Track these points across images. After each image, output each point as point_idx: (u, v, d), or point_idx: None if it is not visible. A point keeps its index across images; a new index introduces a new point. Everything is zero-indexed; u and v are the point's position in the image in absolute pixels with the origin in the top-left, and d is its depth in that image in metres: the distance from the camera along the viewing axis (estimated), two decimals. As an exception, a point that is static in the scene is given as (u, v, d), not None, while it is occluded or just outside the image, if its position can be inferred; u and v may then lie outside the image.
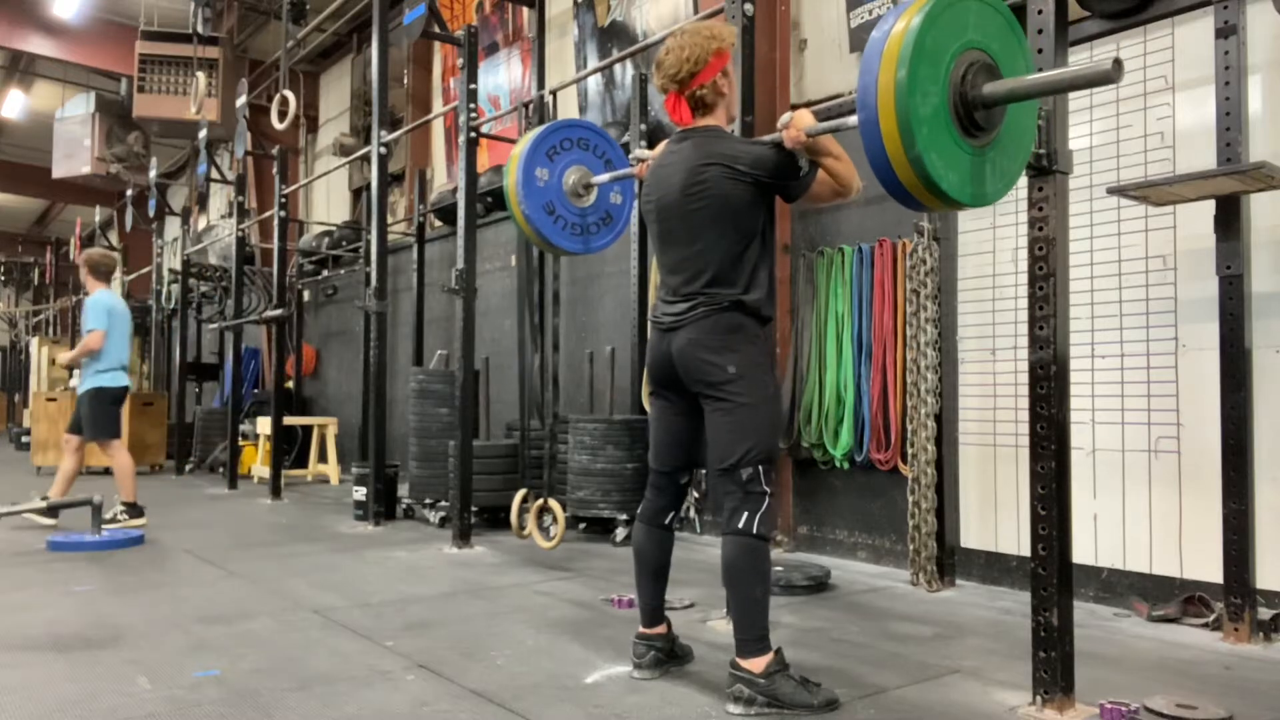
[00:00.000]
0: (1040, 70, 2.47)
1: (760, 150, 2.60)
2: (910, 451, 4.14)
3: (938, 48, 2.06)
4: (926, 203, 2.16)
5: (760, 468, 2.54)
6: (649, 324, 2.79)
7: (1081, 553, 3.55)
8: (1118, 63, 1.99)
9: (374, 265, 6.16)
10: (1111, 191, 3.45)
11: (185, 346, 10.73)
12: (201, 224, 14.86)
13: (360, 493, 6.10)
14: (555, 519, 4.82)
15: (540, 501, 4.86)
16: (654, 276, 5.83)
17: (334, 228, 10.40)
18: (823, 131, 2.52)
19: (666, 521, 2.83)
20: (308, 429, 9.55)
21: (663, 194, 2.72)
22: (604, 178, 3.61)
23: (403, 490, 6.45)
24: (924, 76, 2.03)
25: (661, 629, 2.80)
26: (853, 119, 2.28)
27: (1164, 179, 3.28)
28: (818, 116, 4.56)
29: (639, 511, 2.88)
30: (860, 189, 2.64)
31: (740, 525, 2.52)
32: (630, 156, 3.18)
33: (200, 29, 10.12)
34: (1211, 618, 3.32)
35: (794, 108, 5.16)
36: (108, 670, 2.81)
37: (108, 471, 9.85)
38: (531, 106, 5.45)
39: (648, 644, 2.77)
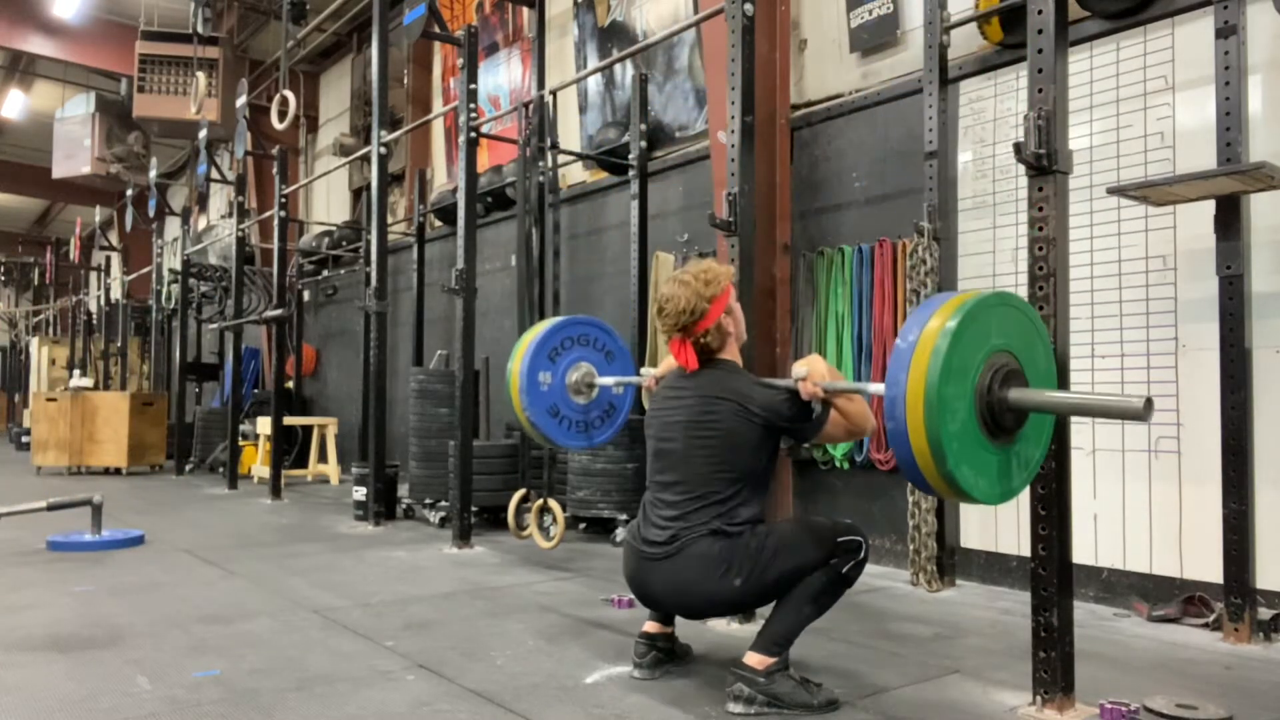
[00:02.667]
0: (1039, 69, 2.47)
1: (773, 395, 2.59)
2: (910, 451, 4.13)
3: (964, 364, 2.08)
4: (947, 497, 2.22)
5: (839, 542, 2.52)
6: (626, 546, 2.73)
7: (1081, 553, 3.55)
8: (1149, 403, 1.99)
9: (374, 265, 6.16)
10: (1111, 191, 3.45)
11: (185, 346, 10.73)
12: (201, 224, 14.86)
13: (360, 493, 6.10)
14: (555, 519, 4.81)
15: (540, 501, 4.86)
16: (654, 276, 5.83)
17: (334, 228, 10.41)
18: (840, 391, 2.54)
19: None
20: (308, 429, 9.55)
21: (667, 418, 2.70)
22: (608, 381, 3.64)
23: (403, 490, 6.45)
24: (952, 395, 2.04)
25: (669, 629, 2.82)
26: (873, 386, 2.34)
27: (1164, 179, 3.28)
28: (818, 118, 4.55)
29: None
30: (874, 428, 2.66)
31: (833, 562, 2.51)
32: (643, 370, 3.22)
33: (200, 29, 10.12)
34: (1211, 618, 3.33)
35: (794, 106, 5.17)
36: (108, 670, 2.81)
37: (108, 471, 9.88)
38: (531, 106, 5.45)
39: (649, 644, 2.77)
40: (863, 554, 2.55)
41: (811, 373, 2.53)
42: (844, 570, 2.51)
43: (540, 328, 3.66)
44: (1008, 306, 2.24)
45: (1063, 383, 2.49)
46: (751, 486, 2.59)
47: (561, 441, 3.63)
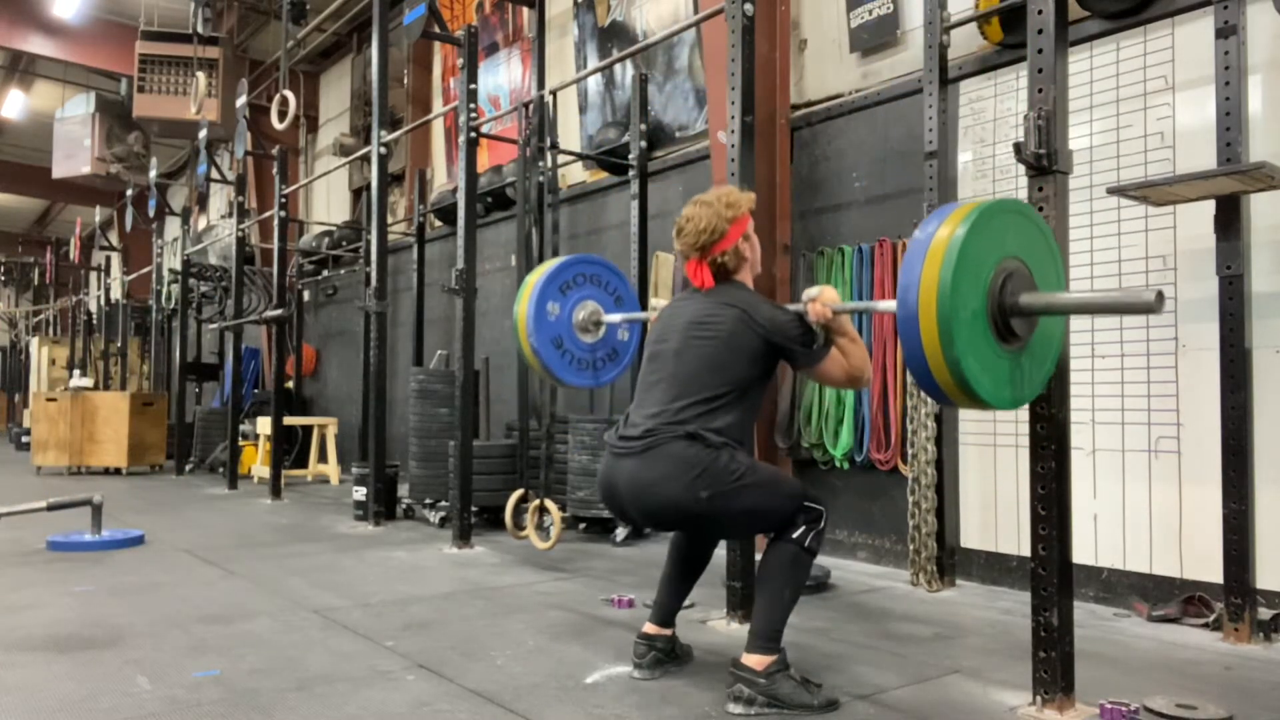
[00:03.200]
0: (1039, 69, 2.47)
1: (779, 313, 2.60)
2: (910, 451, 4.14)
3: (980, 256, 2.11)
4: (958, 402, 2.19)
5: (801, 510, 2.53)
6: (606, 450, 2.68)
7: (1081, 553, 3.55)
8: (1160, 296, 2.02)
9: (374, 265, 6.16)
10: (1111, 191, 3.44)
11: (185, 346, 10.73)
12: (201, 224, 14.86)
13: (360, 493, 6.10)
14: (552, 519, 4.81)
15: (537, 502, 4.85)
16: (654, 276, 5.83)
17: (334, 228, 10.41)
18: (849, 310, 2.55)
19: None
20: (308, 429, 9.55)
21: (670, 322, 2.71)
22: (616, 318, 3.62)
23: (403, 490, 6.45)
24: (966, 282, 2.07)
25: (668, 631, 2.81)
26: (883, 304, 2.37)
27: (1164, 179, 3.28)
28: (818, 118, 4.56)
29: None
30: (870, 381, 2.66)
31: (794, 535, 2.52)
32: (651, 303, 3.20)
33: (200, 29, 10.12)
34: (1211, 618, 3.33)
35: (794, 106, 5.17)
36: (108, 670, 2.81)
37: (108, 471, 9.88)
38: (531, 106, 5.45)
39: (649, 644, 2.77)
40: (823, 523, 2.55)
41: (823, 295, 2.54)
42: (807, 543, 2.51)
43: (553, 261, 3.65)
44: (1024, 217, 2.27)
45: (1061, 383, 2.49)
46: (738, 398, 2.56)
47: (565, 376, 3.59)
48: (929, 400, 4.07)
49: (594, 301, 3.66)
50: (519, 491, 4.98)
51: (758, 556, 3.42)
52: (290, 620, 3.46)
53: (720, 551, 3.23)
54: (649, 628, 2.81)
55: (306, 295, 11.07)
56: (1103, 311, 2.31)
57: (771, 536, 2.58)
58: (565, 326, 3.58)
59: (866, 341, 4.62)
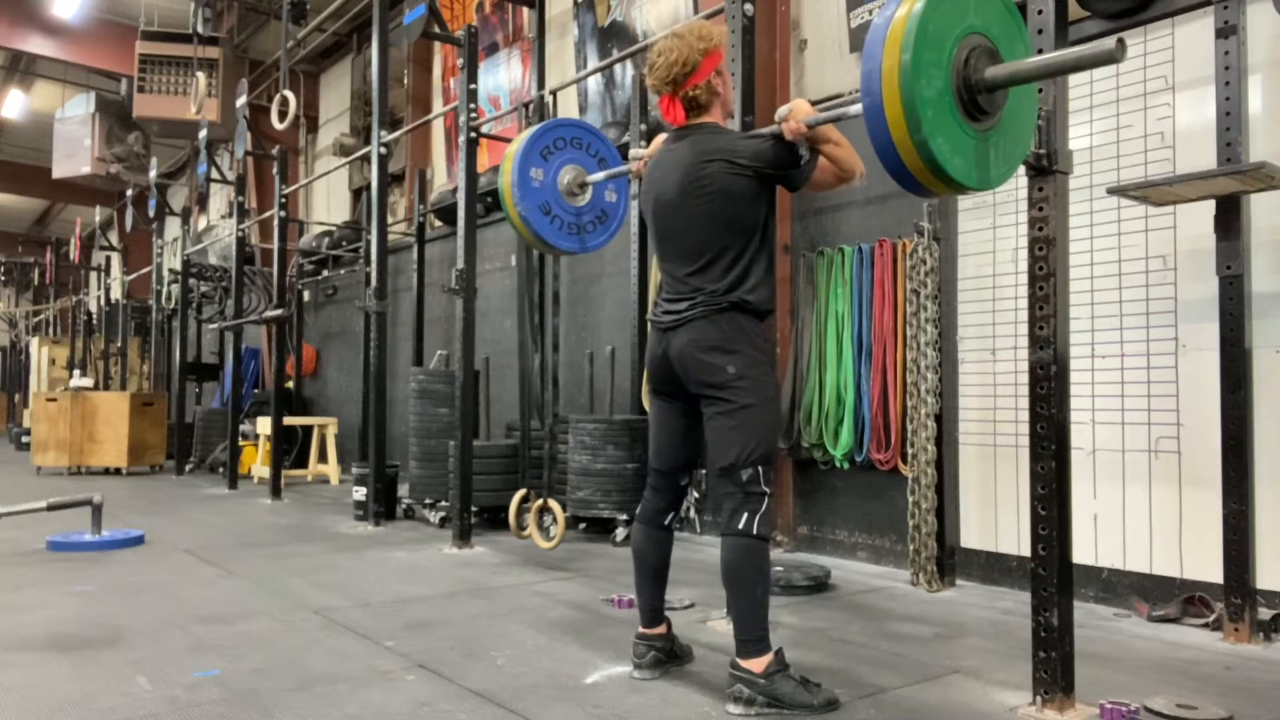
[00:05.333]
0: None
1: (759, 143, 2.59)
2: (910, 451, 4.14)
3: (940, 32, 2.06)
4: (931, 187, 2.15)
5: (759, 468, 2.53)
6: (648, 323, 2.75)
7: (1081, 553, 3.55)
8: (1121, 42, 1.98)
9: (374, 265, 6.16)
10: (1111, 191, 3.45)
11: (185, 346, 10.73)
12: (201, 224, 14.86)
13: (360, 493, 6.10)
14: (555, 519, 4.81)
15: (540, 502, 4.85)
16: (654, 276, 5.83)
17: (334, 228, 10.40)
18: (823, 122, 2.50)
19: (666, 522, 2.83)
20: (308, 429, 9.54)
21: (661, 191, 2.70)
22: (599, 176, 3.60)
23: (403, 490, 6.45)
24: (927, 60, 2.03)
25: (661, 629, 2.80)
26: (854, 108, 2.27)
27: (1164, 179, 3.28)
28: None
29: (638, 512, 2.87)
30: (864, 174, 2.64)
31: (740, 526, 2.51)
32: (630, 153, 3.18)
33: (200, 29, 10.13)
34: (1211, 618, 3.33)
35: (794, 108, 5.17)
36: (108, 670, 2.81)
37: (108, 471, 9.88)
38: (531, 106, 5.45)
39: (648, 644, 2.77)
40: (765, 505, 2.54)
41: (794, 111, 2.51)
42: (755, 531, 2.50)
43: (533, 128, 3.62)
44: None
45: (1061, 383, 2.49)
46: (759, 243, 2.61)
47: (554, 241, 3.56)
48: (929, 400, 4.07)
49: (578, 165, 3.63)
50: (522, 491, 4.98)
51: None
52: (290, 620, 3.45)
53: (717, 552, 3.23)
54: (643, 630, 2.80)
55: (306, 295, 11.07)
56: (1066, 70, 2.24)
57: (721, 532, 2.57)
58: (551, 191, 3.56)
59: (867, 340, 4.62)
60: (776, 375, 2.65)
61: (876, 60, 2.04)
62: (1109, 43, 2.00)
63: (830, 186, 2.68)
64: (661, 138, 2.85)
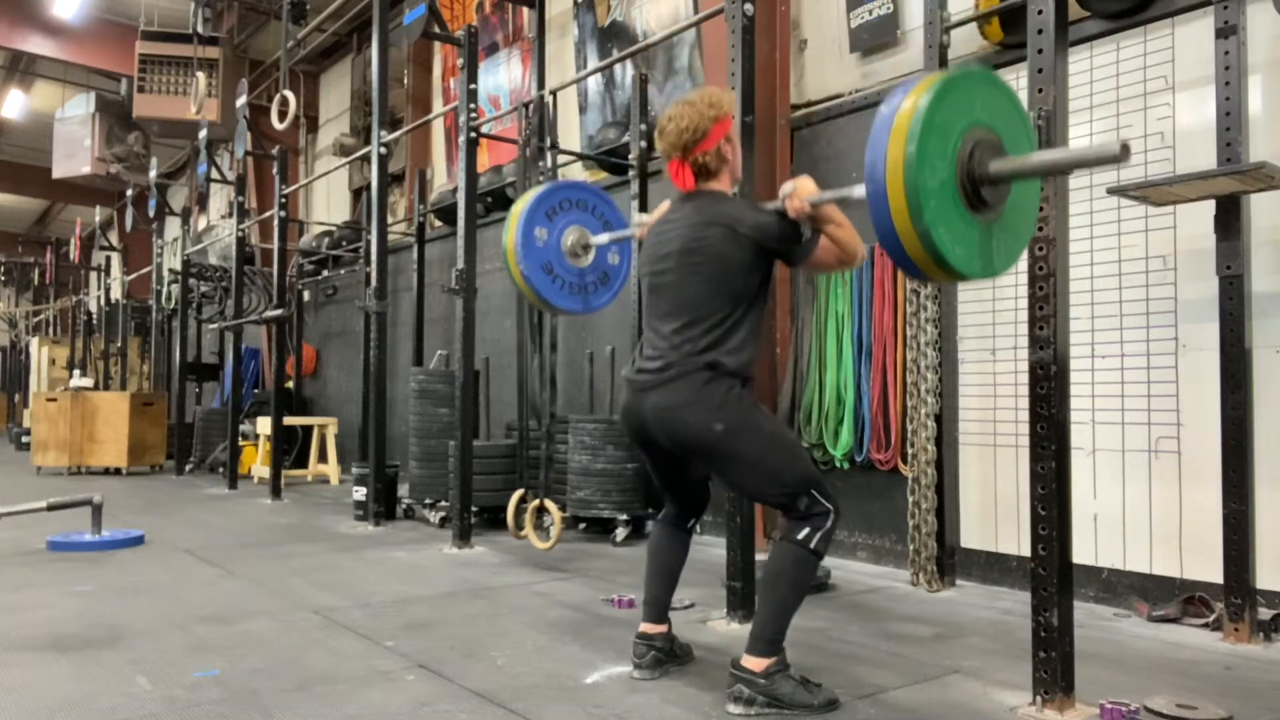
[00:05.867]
0: (1039, 69, 2.47)
1: (763, 216, 2.59)
2: (910, 451, 4.14)
3: (946, 124, 2.08)
4: (933, 275, 2.16)
5: (811, 491, 2.50)
6: (624, 380, 2.72)
7: (1081, 553, 3.55)
8: (1125, 147, 2.00)
9: (374, 265, 6.16)
10: (1111, 191, 3.45)
11: (185, 346, 10.74)
12: (201, 224, 14.86)
13: (360, 493, 6.10)
14: (552, 519, 4.81)
15: (536, 502, 4.85)
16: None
17: (334, 228, 10.40)
18: (826, 201, 2.52)
19: (688, 525, 2.88)
20: (308, 429, 9.55)
21: (660, 249, 2.71)
22: (603, 238, 3.61)
23: (403, 490, 6.45)
24: (933, 151, 2.04)
25: (664, 628, 2.81)
26: (858, 190, 2.29)
27: (1164, 179, 3.28)
28: (818, 118, 4.56)
29: (660, 515, 2.91)
30: (865, 257, 2.65)
31: (799, 537, 2.49)
32: (634, 218, 3.19)
33: (200, 29, 10.12)
34: (1211, 618, 3.33)
35: (794, 106, 5.17)
36: (108, 670, 2.81)
37: (108, 471, 9.88)
38: (531, 106, 5.45)
39: (648, 644, 2.77)
40: (830, 523, 2.50)
41: (798, 190, 2.52)
42: (813, 545, 2.48)
43: (539, 188, 3.64)
44: (993, 86, 2.23)
45: (1061, 383, 2.49)
46: (745, 311, 2.59)
47: (555, 301, 3.57)
48: (929, 400, 4.07)
49: (582, 226, 3.65)
50: (520, 491, 4.98)
51: (759, 557, 3.44)
52: (290, 620, 3.45)
53: (720, 551, 3.24)
54: (645, 626, 2.81)
55: (306, 295, 11.07)
56: (1071, 168, 2.25)
57: (777, 536, 2.57)
58: (554, 252, 3.56)
59: (867, 340, 4.62)
60: (767, 410, 2.63)
61: (882, 149, 2.05)
62: (1114, 146, 2.01)
63: (831, 268, 2.68)
64: (667, 203, 2.85)
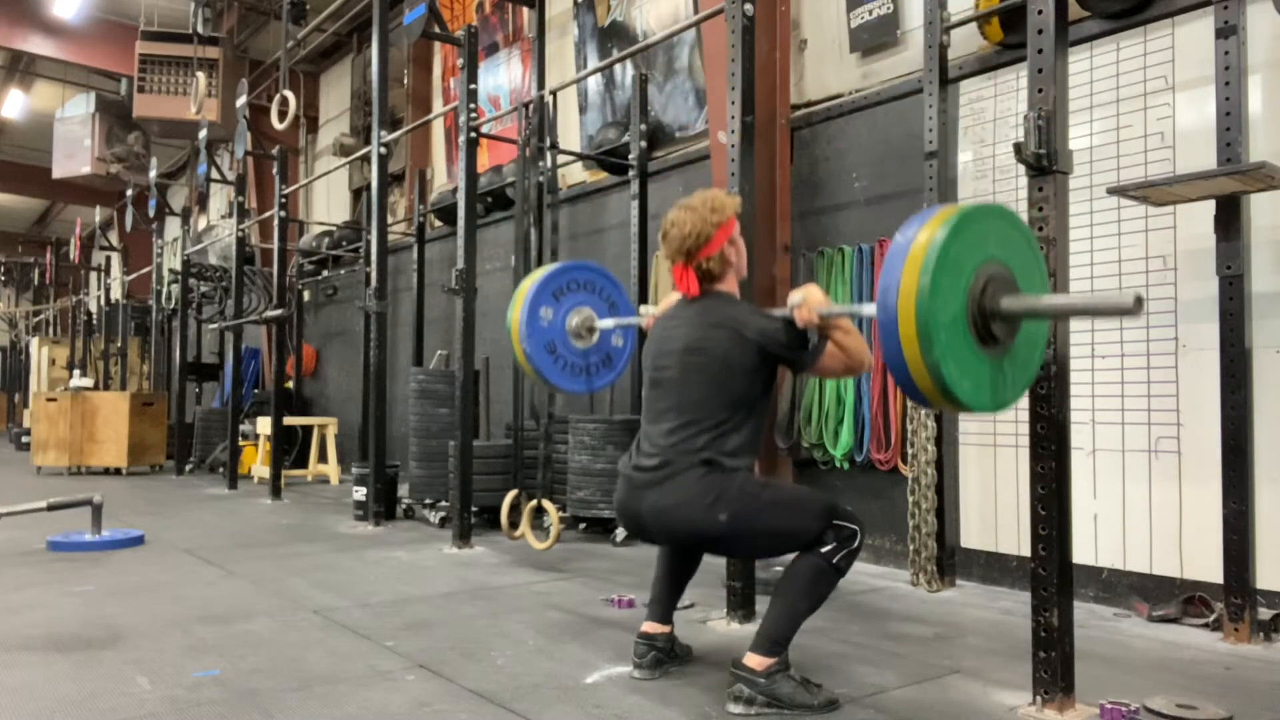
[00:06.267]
0: (1039, 69, 2.47)
1: (769, 323, 2.59)
2: (910, 451, 4.14)
3: (960, 260, 2.10)
4: (939, 406, 2.17)
5: (831, 527, 2.49)
6: (620, 477, 2.71)
7: (1081, 553, 3.56)
8: (1139, 300, 2.02)
9: (374, 265, 6.16)
10: (1111, 191, 3.45)
11: (185, 346, 10.73)
12: (201, 224, 14.86)
13: (360, 493, 6.10)
14: (551, 520, 4.80)
15: (533, 502, 4.85)
16: (654, 277, 5.83)
17: (334, 228, 10.41)
18: (835, 315, 2.53)
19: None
20: (308, 429, 9.55)
21: (664, 347, 2.72)
22: (608, 323, 3.62)
23: (403, 490, 6.45)
24: (946, 286, 2.06)
25: (667, 629, 2.81)
26: (867, 307, 2.33)
27: (1164, 179, 3.28)
28: (818, 118, 4.55)
29: None
30: (871, 365, 2.65)
31: (824, 550, 2.48)
32: (641, 309, 3.21)
33: (200, 29, 10.12)
34: (1211, 618, 3.33)
35: (794, 108, 5.17)
36: (108, 670, 2.81)
37: (108, 471, 9.88)
38: (531, 106, 5.45)
39: (648, 644, 2.77)
40: (857, 543, 2.50)
41: (808, 300, 2.52)
42: (835, 560, 2.47)
43: (547, 267, 3.66)
44: (1006, 221, 2.25)
45: (1061, 383, 2.49)
46: (745, 415, 2.58)
47: (559, 382, 3.58)
48: (929, 400, 4.07)
49: (588, 308, 3.66)
50: (513, 492, 4.97)
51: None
52: (290, 620, 3.45)
53: (720, 551, 3.23)
54: (648, 626, 2.81)
55: (306, 295, 11.07)
56: (1081, 314, 2.30)
57: (803, 549, 2.55)
58: (559, 332, 3.58)
59: (866, 339, 4.61)
60: (762, 476, 2.64)
61: (895, 278, 2.06)
62: (1128, 298, 2.03)
63: (837, 374, 2.69)
64: (674, 296, 2.85)
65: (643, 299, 5.82)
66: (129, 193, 14.00)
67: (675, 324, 2.73)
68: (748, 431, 2.59)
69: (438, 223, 8.74)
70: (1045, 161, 2.45)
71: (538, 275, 3.60)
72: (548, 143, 5.49)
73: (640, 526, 2.66)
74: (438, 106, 9.48)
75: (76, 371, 13.00)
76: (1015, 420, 4.04)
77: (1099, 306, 2.25)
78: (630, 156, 6.04)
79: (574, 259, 6.67)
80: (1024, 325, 2.27)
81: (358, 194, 10.94)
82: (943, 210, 2.14)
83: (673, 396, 2.63)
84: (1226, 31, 3.26)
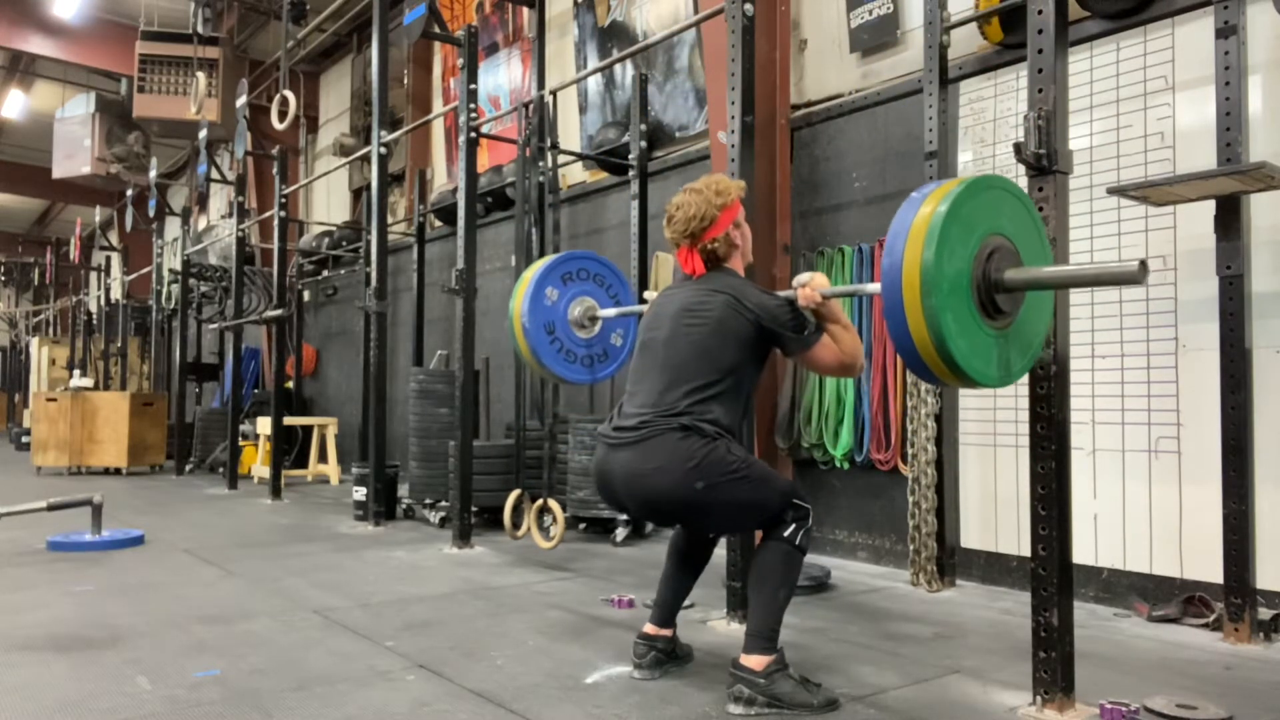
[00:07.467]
0: (1039, 69, 2.47)
1: (769, 299, 2.60)
2: (910, 451, 4.14)
3: (963, 233, 2.10)
4: (944, 379, 2.17)
5: (790, 506, 2.53)
6: (598, 438, 2.70)
7: (1081, 553, 3.56)
8: (1143, 265, 2.03)
9: (374, 265, 6.16)
10: (1111, 191, 3.44)
11: (185, 346, 10.74)
12: (201, 224, 14.86)
13: (360, 493, 6.10)
14: (555, 519, 4.81)
15: (539, 502, 4.85)
16: (654, 276, 5.83)
17: (334, 228, 10.41)
18: (839, 295, 2.54)
19: (710, 535, 2.89)
20: (308, 429, 9.55)
21: (660, 311, 2.73)
22: (611, 312, 3.64)
23: (403, 490, 6.45)
24: (950, 259, 2.06)
25: (668, 633, 2.81)
26: (872, 286, 2.33)
27: (1164, 179, 3.28)
28: (818, 118, 4.56)
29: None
30: (863, 367, 2.66)
31: (785, 534, 2.52)
32: (646, 294, 3.21)
33: (200, 29, 10.12)
34: (1212, 618, 3.32)
35: (794, 108, 5.17)
36: (108, 670, 2.81)
37: (108, 471, 9.88)
38: (531, 106, 5.45)
39: (649, 644, 2.77)
40: (810, 521, 2.56)
41: (813, 281, 2.55)
42: (797, 541, 2.52)
43: (560, 254, 3.67)
44: (1009, 193, 2.25)
45: (1061, 383, 2.49)
46: (731, 385, 2.57)
47: (550, 363, 3.57)
48: (929, 400, 4.07)
49: (591, 299, 3.66)
50: (516, 492, 4.97)
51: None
52: (290, 620, 3.45)
53: (720, 551, 3.24)
54: (649, 628, 2.81)
55: (306, 295, 11.07)
56: (1087, 283, 2.28)
57: (762, 536, 2.59)
58: (560, 315, 3.59)
59: (866, 340, 4.62)
60: (741, 439, 2.65)
61: (898, 254, 2.08)
62: (1133, 265, 2.04)
63: (829, 370, 2.67)
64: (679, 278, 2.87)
65: (642, 299, 5.81)
66: (129, 193, 14.01)
67: (674, 293, 2.75)
68: (730, 402, 2.57)
69: (438, 223, 8.74)
70: (1045, 161, 2.44)
71: (549, 257, 3.63)
72: (548, 143, 5.49)
73: (610, 489, 2.65)
74: (438, 106, 9.48)
75: (76, 371, 13.00)
76: (1015, 420, 4.04)
77: (1103, 275, 2.24)
78: (630, 156, 6.04)
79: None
80: (1028, 298, 2.26)
81: (358, 194, 10.94)
82: (945, 183, 2.15)
83: (659, 356, 2.63)
84: (1226, 31, 3.26)
